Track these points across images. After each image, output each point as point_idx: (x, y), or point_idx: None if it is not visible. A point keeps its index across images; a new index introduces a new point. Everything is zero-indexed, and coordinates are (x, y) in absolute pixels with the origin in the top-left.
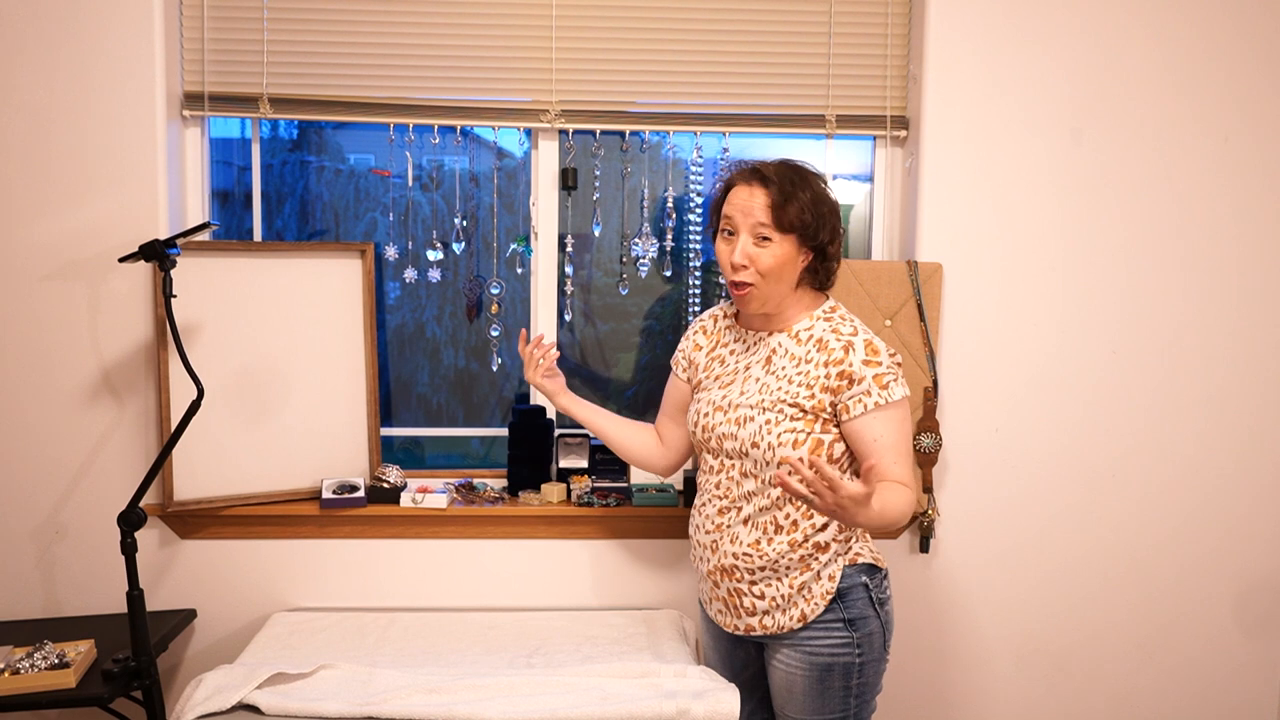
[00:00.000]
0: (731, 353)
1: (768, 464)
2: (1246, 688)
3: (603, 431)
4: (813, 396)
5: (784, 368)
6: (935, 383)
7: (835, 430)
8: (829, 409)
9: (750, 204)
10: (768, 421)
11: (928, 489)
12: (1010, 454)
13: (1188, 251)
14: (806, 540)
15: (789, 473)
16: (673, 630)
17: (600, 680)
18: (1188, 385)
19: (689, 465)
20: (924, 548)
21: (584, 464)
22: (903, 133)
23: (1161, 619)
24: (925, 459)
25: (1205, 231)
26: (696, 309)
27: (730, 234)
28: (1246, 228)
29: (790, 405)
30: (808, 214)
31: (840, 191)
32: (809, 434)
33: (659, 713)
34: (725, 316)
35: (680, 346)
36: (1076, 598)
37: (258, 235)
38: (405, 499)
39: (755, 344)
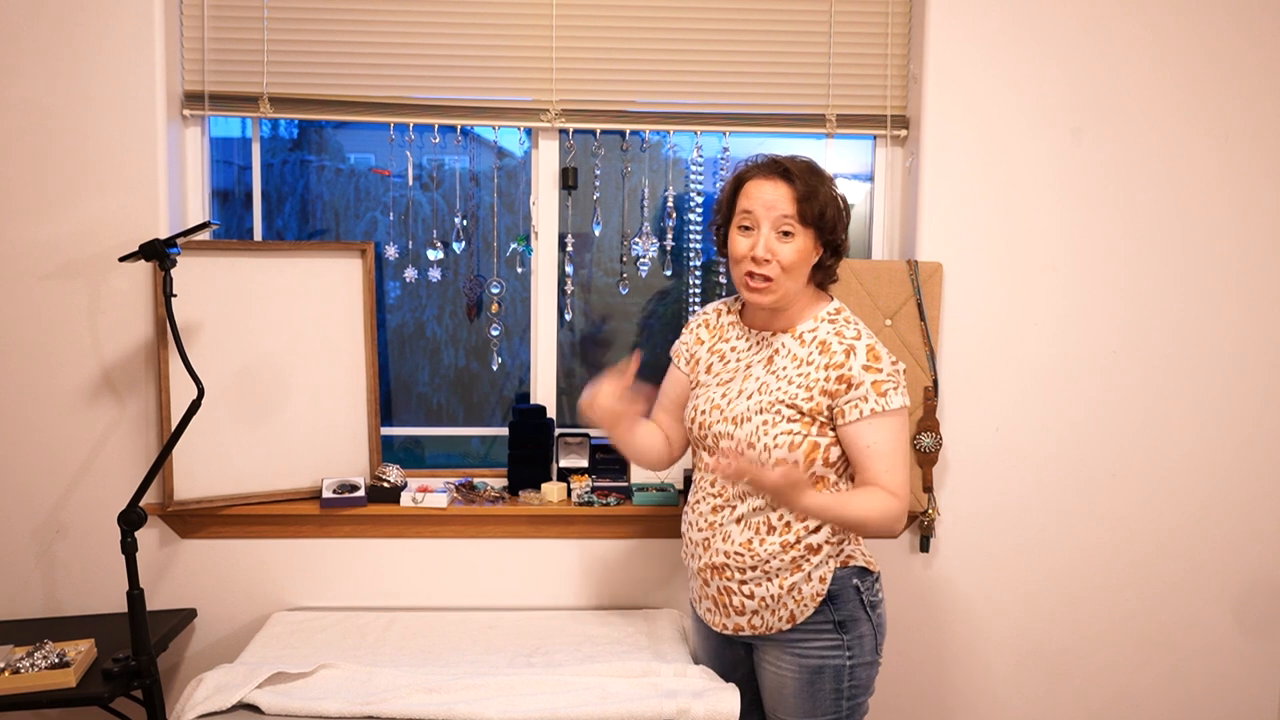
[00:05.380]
0: (733, 349)
1: (763, 465)
2: (1246, 688)
3: (622, 444)
4: (811, 399)
5: (785, 368)
6: (935, 382)
7: (832, 434)
8: (826, 412)
9: (774, 197)
10: (765, 422)
11: (928, 489)
12: (1010, 454)
13: (1188, 251)
14: (799, 541)
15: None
16: (673, 630)
17: (600, 679)
18: (1188, 385)
19: (688, 463)
20: (924, 547)
21: (584, 464)
22: (903, 132)
23: (1161, 619)
24: (925, 459)
25: (1205, 231)
26: (696, 308)
27: (748, 228)
28: (1246, 227)
29: (788, 406)
30: (830, 209)
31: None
32: (805, 436)
33: (659, 712)
34: (730, 312)
35: (682, 338)
36: (1076, 598)
37: (258, 235)
38: (405, 498)
39: (758, 343)
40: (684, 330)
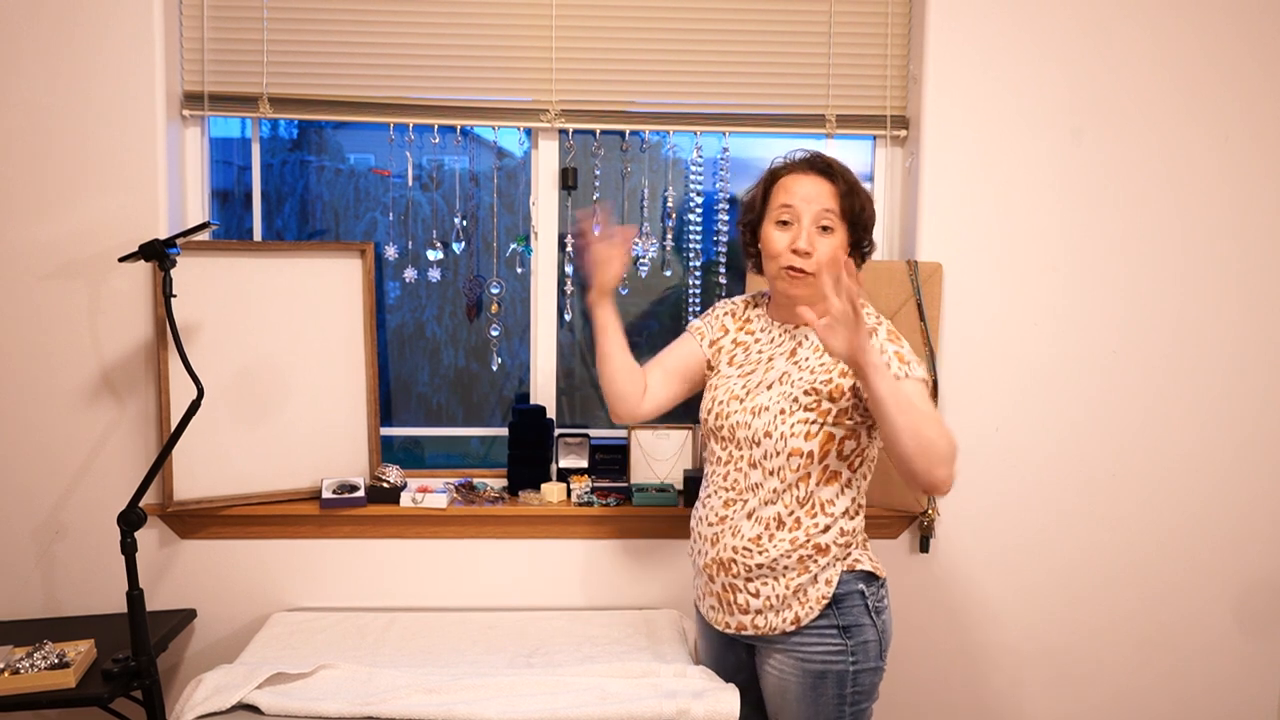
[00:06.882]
0: (756, 341)
1: (777, 454)
2: (1246, 688)
3: (610, 351)
4: (830, 380)
5: (807, 358)
6: (935, 382)
7: (849, 424)
8: (848, 394)
9: (815, 192)
10: (782, 412)
11: None
12: (1010, 454)
13: (1188, 251)
14: (808, 541)
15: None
16: (673, 630)
17: (600, 680)
18: (1188, 385)
19: (688, 463)
20: (924, 548)
21: (584, 464)
22: (903, 132)
23: (1161, 619)
24: None
25: (1205, 231)
26: (696, 308)
27: (786, 223)
28: (1246, 227)
29: (805, 393)
30: (869, 208)
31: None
32: (821, 425)
33: (659, 712)
34: (756, 305)
35: (705, 318)
36: (1077, 598)
37: (258, 235)
38: (405, 499)
39: (782, 336)
40: (708, 312)
